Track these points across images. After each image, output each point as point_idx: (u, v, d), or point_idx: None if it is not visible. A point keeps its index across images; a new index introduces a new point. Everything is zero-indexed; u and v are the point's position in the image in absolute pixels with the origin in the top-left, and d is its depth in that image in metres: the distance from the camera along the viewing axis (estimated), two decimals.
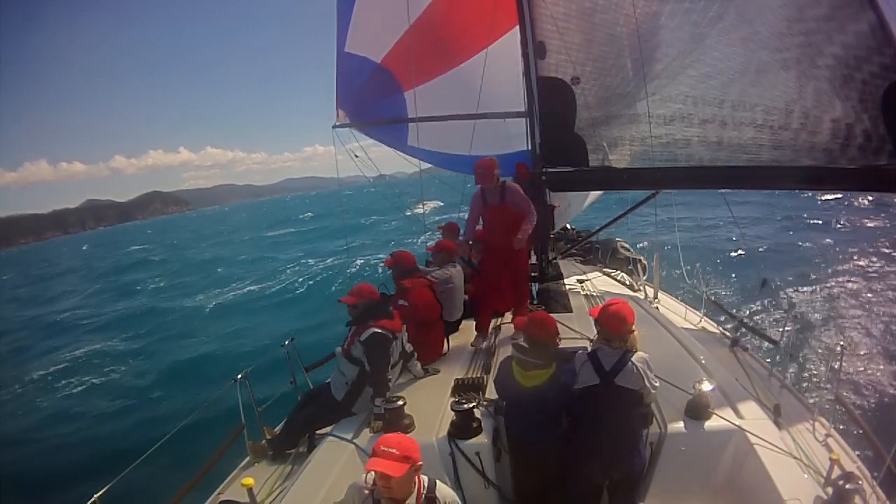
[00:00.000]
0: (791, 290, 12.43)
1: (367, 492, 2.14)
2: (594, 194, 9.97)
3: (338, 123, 8.14)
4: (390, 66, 7.77)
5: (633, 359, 2.70)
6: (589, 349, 2.92)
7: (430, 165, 8.74)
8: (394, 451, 1.98)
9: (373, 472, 2.06)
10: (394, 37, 7.55)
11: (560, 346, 3.00)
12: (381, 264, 4.94)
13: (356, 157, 8.08)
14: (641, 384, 2.67)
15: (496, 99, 7.28)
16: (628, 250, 8.57)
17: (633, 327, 2.78)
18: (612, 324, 2.75)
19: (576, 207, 9.88)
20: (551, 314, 4.98)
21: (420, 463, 2.06)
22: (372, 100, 8.06)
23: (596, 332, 2.93)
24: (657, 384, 2.77)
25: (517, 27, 6.77)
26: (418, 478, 2.12)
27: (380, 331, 3.56)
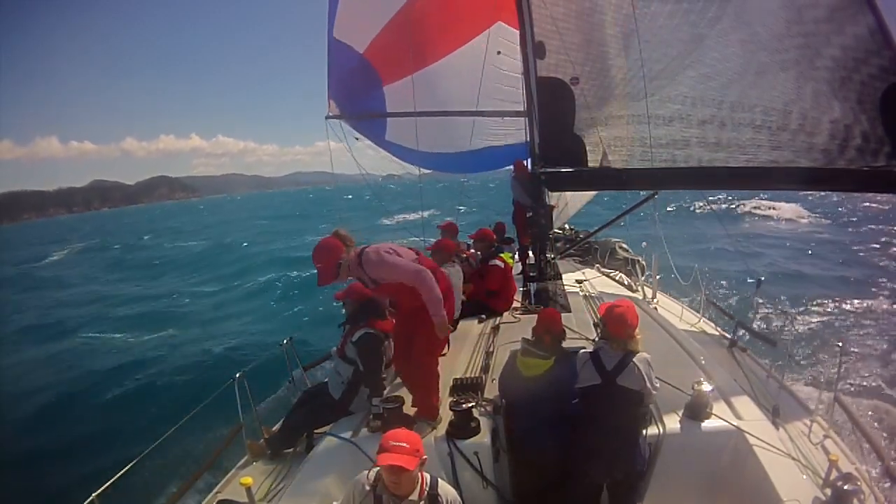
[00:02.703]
0: (789, 290, 12.46)
1: (367, 488, 2.15)
2: (585, 197, 10.05)
3: (330, 114, 8.06)
4: (371, 59, 7.72)
5: (634, 359, 2.71)
6: (589, 348, 2.94)
7: (430, 171, 8.81)
8: (405, 444, 2.01)
9: (375, 469, 2.09)
10: (376, 26, 7.50)
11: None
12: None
13: (350, 149, 8.08)
14: (642, 385, 2.68)
15: (472, 96, 7.48)
16: (627, 251, 8.59)
17: (636, 331, 2.79)
18: (615, 325, 2.77)
19: (573, 207, 9.92)
20: None
21: (425, 457, 2.09)
22: (356, 93, 8.04)
23: (599, 330, 2.95)
24: (658, 385, 2.79)
25: (498, 23, 6.83)
26: (421, 474, 2.14)
27: (371, 331, 3.59)
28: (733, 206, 29.66)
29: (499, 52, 7.49)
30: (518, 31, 7.15)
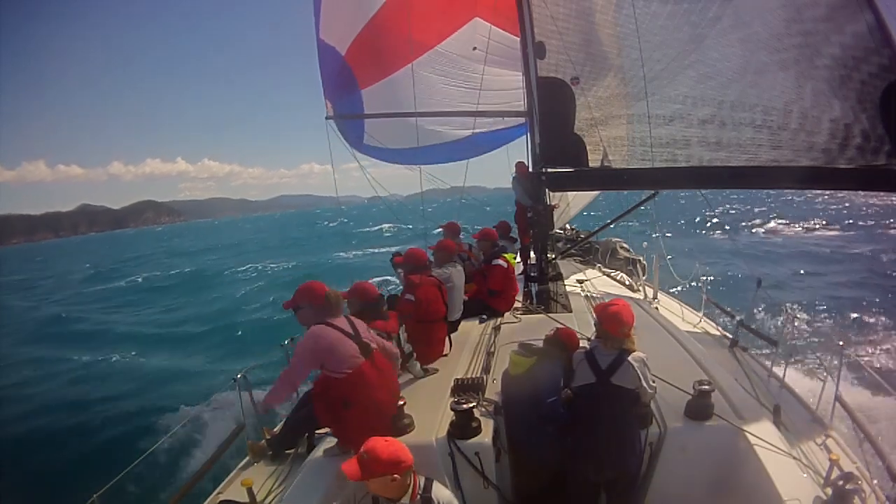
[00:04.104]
0: (790, 290, 12.45)
1: (367, 489, 2.15)
2: (588, 197, 10.03)
3: (329, 115, 8.08)
4: (350, 62, 7.76)
5: (629, 358, 2.70)
6: (586, 347, 2.95)
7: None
8: (364, 455, 2.01)
9: None
10: (354, 28, 7.51)
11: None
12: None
13: (351, 148, 8.16)
14: (638, 384, 2.68)
15: (449, 95, 7.54)
16: (628, 251, 8.59)
17: (632, 330, 2.79)
18: (610, 324, 2.76)
19: (575, 207, 9.93)
20: (551, 314, 5.01)
21: (395, 475, 2.02)
22: (342, 95, 8.11)
23: (595, 330, 2.95)
24: (654, 384, 2.78)
25: (473, 20, 6.79)
26: (414, 477, 2.13)
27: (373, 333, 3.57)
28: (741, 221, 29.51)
29: (474, 49, 7.47)
30: (495, 27, 7.23)
